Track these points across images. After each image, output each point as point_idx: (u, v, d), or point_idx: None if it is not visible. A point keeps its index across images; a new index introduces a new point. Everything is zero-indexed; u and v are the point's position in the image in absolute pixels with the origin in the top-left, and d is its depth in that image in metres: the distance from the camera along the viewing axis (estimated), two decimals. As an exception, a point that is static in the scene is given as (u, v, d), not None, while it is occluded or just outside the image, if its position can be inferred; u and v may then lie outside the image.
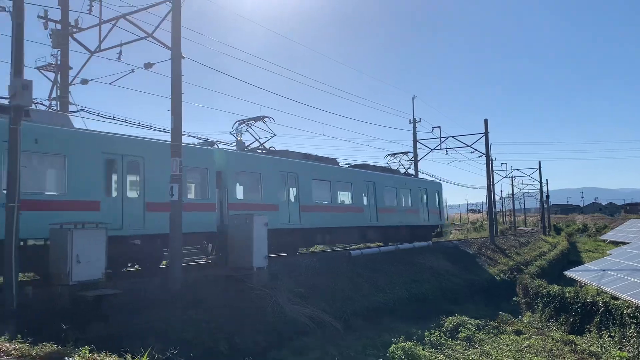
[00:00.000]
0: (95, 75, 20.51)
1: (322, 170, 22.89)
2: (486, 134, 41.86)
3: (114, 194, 14.36)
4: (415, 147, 41.28)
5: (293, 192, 20.84)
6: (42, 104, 19.13)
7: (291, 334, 13.39)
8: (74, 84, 19.75)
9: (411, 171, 36.54)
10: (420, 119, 42.10)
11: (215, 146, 18.87)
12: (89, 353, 6.06)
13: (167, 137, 14.80)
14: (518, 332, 18.69)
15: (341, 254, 23.29)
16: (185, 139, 15.22)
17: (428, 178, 38.26)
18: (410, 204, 30.01)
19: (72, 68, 19.89)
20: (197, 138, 21.07)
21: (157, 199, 14.75)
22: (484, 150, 42.47)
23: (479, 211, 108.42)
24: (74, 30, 19.34)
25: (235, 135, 21.66)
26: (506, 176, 74.27)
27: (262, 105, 70.32)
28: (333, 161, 24.98)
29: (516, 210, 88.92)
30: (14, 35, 10.93)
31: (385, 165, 32.80)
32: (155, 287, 13.37)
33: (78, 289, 11.34)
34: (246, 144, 21.39)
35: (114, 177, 14.48)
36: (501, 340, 16.95)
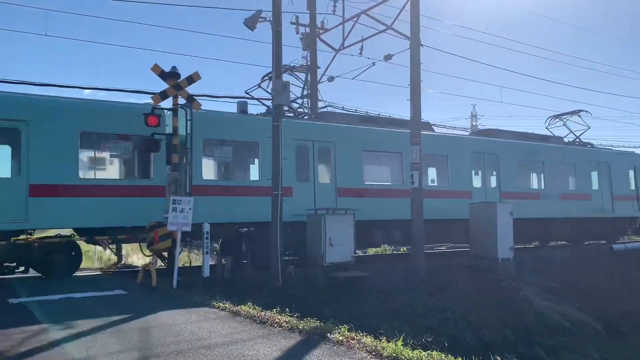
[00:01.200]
0: (339, 72, 21.96)
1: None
2: None
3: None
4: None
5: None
6: (295, 102, 21.28)
7: (542, 331, 12.34)
8: (321, 82, 21.48)
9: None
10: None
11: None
12: (347, 332, 6.43)
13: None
14: None
15: (598, 247, 20.64)
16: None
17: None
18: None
19: (319, 67, 21.68)
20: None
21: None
22: None
23: None
24: (320, 31, 20.98)
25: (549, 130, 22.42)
26: None
27: (501, 85, 66.56)
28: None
29: None
30: (274, 42, 12.27)
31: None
32: (399, 272, 13.73)
33: (331, 270, 12.32)
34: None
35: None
36: None
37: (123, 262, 17.24)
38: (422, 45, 14.42)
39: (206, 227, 11.69)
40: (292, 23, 21.30)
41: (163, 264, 13.09)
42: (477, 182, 18.66)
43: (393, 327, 8.07)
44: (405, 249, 20.56)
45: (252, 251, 14.03)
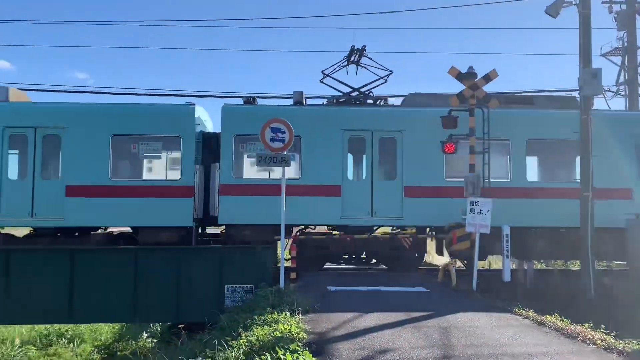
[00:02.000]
0: None
1: None
2: None
3: None
4: None
5: None
6: (609, 90, 18.74)
7: None
8: (642, 64, 18.40)
9: None
10: None
11: None
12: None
13: None
14: None
15: None
16: None
17: None
18: None
19: (639, 48, 18.58)
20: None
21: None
22: None
23: None
24: (640, 6, 18.00)
25: None
26: None
27: None
28: None
29: None
30: (581, 25, 11.04)
31: None
32: None
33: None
34: None
35: None
36: None
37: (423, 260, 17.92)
38: None
39: (506, 230, 11.23)
40: (603, 2, 18.82)
41: (462, 265, 13.12)
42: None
43: None
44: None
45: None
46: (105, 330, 16.36)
